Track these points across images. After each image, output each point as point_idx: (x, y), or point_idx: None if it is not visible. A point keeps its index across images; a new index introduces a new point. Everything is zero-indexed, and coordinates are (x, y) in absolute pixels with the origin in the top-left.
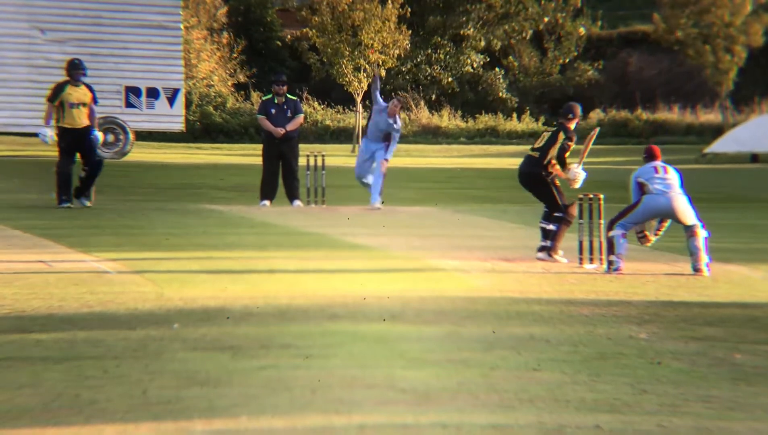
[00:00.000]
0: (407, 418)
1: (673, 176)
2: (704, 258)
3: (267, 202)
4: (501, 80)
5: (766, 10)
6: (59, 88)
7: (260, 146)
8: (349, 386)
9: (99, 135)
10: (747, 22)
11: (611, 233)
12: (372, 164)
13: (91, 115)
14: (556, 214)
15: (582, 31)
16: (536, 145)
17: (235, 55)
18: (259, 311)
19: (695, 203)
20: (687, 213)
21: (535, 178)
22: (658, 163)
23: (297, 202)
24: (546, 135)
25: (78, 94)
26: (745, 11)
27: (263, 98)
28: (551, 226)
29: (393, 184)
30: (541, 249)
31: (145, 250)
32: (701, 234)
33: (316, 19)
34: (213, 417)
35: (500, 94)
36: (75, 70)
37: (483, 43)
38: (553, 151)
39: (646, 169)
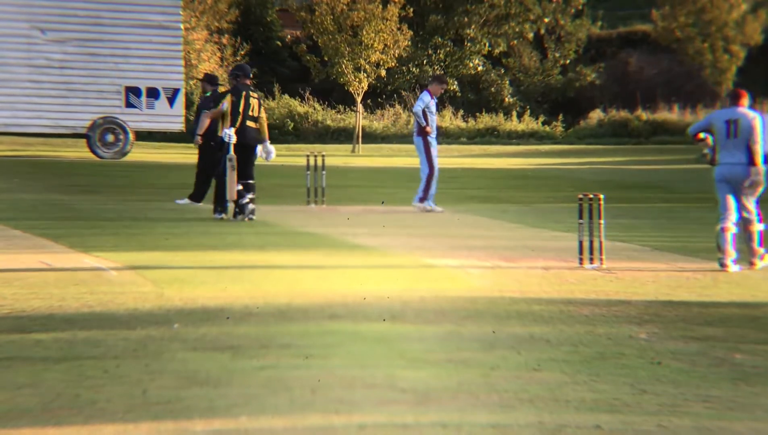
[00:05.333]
0: (407, 418)
1: (742, 136)
2: (759, 250)
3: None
4: (508, 86)
5: (764, 7)
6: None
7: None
8: (349, 386)
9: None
10: (745, 20)
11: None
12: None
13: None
14: (251, 181)
15: (583, 36)
16: (256, 115)
17: (238, 58)
18: (259, 311)
19: (695, 203)
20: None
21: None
22: (736, 114)
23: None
24: (256, 102)
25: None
26: (741, 9)
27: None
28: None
29: (393, 184)
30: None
31: (145, 250)
32: (756, 228)
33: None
34: (213, 417)
35: (506, 99)
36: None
37: (487, 48)
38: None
39: (719, 122)
